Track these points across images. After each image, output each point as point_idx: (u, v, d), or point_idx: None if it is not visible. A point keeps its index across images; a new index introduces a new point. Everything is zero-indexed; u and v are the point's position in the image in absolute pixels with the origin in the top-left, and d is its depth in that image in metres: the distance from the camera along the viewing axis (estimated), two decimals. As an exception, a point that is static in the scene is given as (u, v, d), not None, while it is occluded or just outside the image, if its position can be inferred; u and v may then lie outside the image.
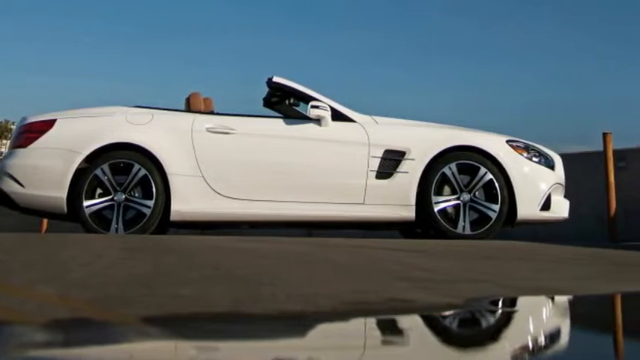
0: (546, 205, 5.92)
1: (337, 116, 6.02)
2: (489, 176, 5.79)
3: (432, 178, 5.78)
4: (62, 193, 5.69)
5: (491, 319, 2.14)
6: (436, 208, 5.76)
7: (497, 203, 5.77)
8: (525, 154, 5.98)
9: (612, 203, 8.48)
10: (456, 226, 5.75)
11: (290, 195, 5.82)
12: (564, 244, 5.52)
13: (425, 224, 5.91)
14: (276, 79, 6.29)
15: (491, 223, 5.75)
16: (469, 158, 5.84)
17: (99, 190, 5.74)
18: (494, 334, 1.89)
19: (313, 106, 5.95)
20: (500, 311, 2.29)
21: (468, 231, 5.75)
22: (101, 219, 5.68)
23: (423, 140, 5.90)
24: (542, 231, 8.41)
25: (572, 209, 6.28)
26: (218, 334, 1.69)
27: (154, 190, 5.69)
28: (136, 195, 5.73)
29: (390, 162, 5.86)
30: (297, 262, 3.59)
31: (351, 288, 2.56)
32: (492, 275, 3.22)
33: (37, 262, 3.16)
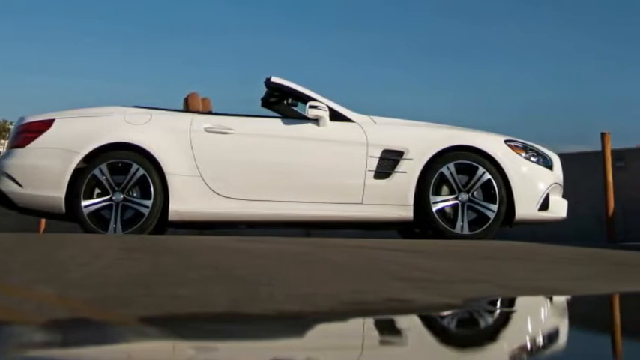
0: (544, 205, 5.93)
1: (335, 116, 6.02)
2: (487, 176, 5.79)
3: (430, 178, 5.78)
4: (60, 193, 5.69)
5: (490, 319, 2.14)
6: (434, 208, 5.76)
7: (495, 203, 5.77)
8: (523, 154, 5.98)
9: (610, 203, 8.49)
10: (454, 226, 5.75)
11: (288, 195, 5.82)
12: (563, 244, 5.53)
13: (423, 224, 5.91)
14: (274, 79, 6.29)
15: (489, 223, 5.76)
16: (467, 158, 5.84)
17: (97, 190, 5.73)
18: (492, 334, 1.89)
19: (311, 106, 5.95)
20: (498, 311, 2.29)
21: (466, 231, 5.75)
22: (99, 219, 5.68)
23: (422, 140, 5.90)
24: (541, 231, 8.42)
25: (571, 209, 6.28)
26: (216, 334, 1.69)
27: (152, 190, 5.69)
28: (135, 195, 5.73)
29: (389, 162, 5.86)
30: (295, 262, 3.59)
31: (350, 288, 2.56)
32: (491, 275, 3.22)
33: (36, 262, 3.16)
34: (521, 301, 2.49)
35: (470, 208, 5.80)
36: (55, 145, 5.80)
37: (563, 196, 6.21)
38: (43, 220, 10.59)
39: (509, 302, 2.46)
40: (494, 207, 5.76)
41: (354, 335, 1.82)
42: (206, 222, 6.00)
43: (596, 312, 2.42)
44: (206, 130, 5.92)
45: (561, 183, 6.17)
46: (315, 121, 5.96)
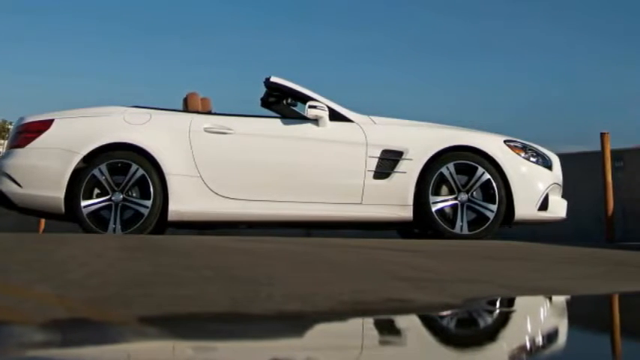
0: (544, 205, 5.93)
1: (335, 116, 6.02)
2: (487, 176, 5.79)
3: (429, 178, 5.78)
4: (60, 193, 5.69)
5: (489, 319, 2.14)
6: (434, 208, 5.76)
7: (494, 203, 5.77)
8: (523, 154, 5.98)
9: (610, 203, 8.49)
10: (453, 226, 5.75)
11: (288, 195, 5.82)
12: (562, 244, 5.53)
13: (423, 224, 5.91)
14: (273, 79, 6.29)
15: (488, 223, 5.76)
16: (467, 158, 5.85)
17: (97, 190, 5.73)
18: (492, 334, 1.89)
19: (311, 106, 5.95)
20: (498, 311, 2.30)
21: (465, 231, 5.75)
22: (99, 219, 5.68)
23: (421, 140, 5.91)
24: (540, 231, 8.42)
25: (570, 209, 6.28)
26: (216, 334, 1.69)
27: (151, 190, 5.69)
28: (134, 195, 5.73)
29: (388, 162, 5.86)
30: (295, 262, 3.59)
31: (350, 288, 2.56)
32: (490, 275, 3.22)
33: (35, 262, 3.15)
34: (520, 301, 2.49)
35: (469, 208, 5.80)
36: (54, 145, 5.80)
37: (563, 196, 6.22)
38: (43, 220, 10.58)
39: (509, 302, 2.46)
40: (494, 207, 5.76)
41: (354, 335, 1.82)
42: (206, 222, 6.00)
43: (596, 312, 2.42)
44: (205, 130, 5.92)
45: (561, 183, 6.17)
46: (315, 121, 5.96)
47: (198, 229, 7.94)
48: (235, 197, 5.80)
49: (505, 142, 6.00)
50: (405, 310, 2.15)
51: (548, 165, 6.08)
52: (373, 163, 5.84)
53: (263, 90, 6.58)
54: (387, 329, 1.94)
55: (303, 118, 6.05)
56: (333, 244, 4.76)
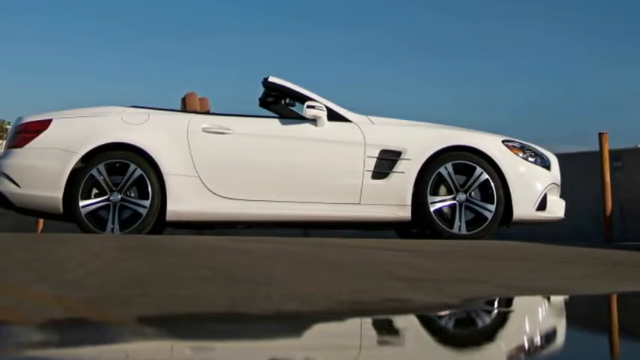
0: (542, 205, 5.93)
1: (333, 116, 6.02)
2: (485, 176, 5.79)
3: (428, 178, 5.78)
4: (58, 193, 5.69)
5: (488, 319, 2.14)
6: (432, 208, 5.76)
7: (493, 203, 5.77)
8: (521, 154, 5.98)
9: (608, 203, 8.49)
10: (451, 226, 5.76)
11: (286, 195, 5.82)
12: (560, 244, 5.53)
13: (421, 224, 5.91)
14: (271, 79, 6.29)
15: (487, 223, 5.76)
16: (465, 158, 5.85)
17: (95, 190, 5.73)
18: (490, 334, 1.89)
19: (309, 106, 5.95)
20: (496, 311, 2.30)
21: (463, 231, 5.75)
22: (97, 219, 5.68)
23: (419, 140, 5.91)
24: (539, 231, 8.41)
25: (569, 209, 6.28)
26: (214, 334, 1.69)
27: (150, 190, 5.69)
28: (132, 195, 5.73)
29: (386, 162, 5.86)
30: (293, 262, 3.59)
31: (348, 288, 2.56)
32: (488, 275, 3.22)
33: (34, 262, 3.15)
34: (518, 301, 2.49)
35: (467, 208, 5.80)
36: (52, 145, 5.79)
37: (561, 196, 6.22)
38: (41, 220, 10.57)
39: (507, 302, 2.46)
40: (492, 207, 5.77)
41: (352, 335, 1.82)
42: (204, 222, 6.00)
43: (594, 312, 2.42)
44: (204, 130, 5.91)
45: (559, 183, 6.17)
46: (313, 121, 5.96)
47: (197, 229, 7.93)
48: (234, 197, 5.80)
49: (503, 142, 6.00)
50: (403, 310, 2.15)
51: (546, 165, 6.08)
52: (371, 163, 5.84)
53: (261, 90, 6.57)
54: (386, 329, 1.94)
55: (301, 118, 6.05)
56: (331, 244, 4.76)
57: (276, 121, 6.11)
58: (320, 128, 5.95)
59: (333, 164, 5.87)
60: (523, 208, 5.84)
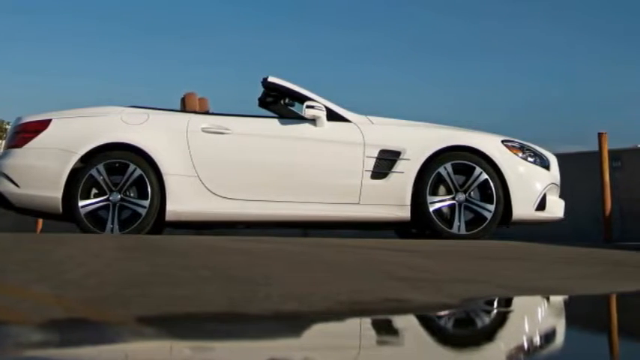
0: (541, 205, 5.93)
1: (332, 116, 6.02)
2: (484, 176, 5.80)
3: (427, 178, 5.78)
4: (57, 193, 5.69)
5: (487, 319, 2.14)
6: (431, 208, 5.77)
7: (492, 203, 5.78)
8: (520, 154, 5.99)
9: (608, 203, 8.50)
10: (451, 226, 5.76)
11: (285, 195, 5.83)
12: (560, 244, 5.53)
13: (420, 224, 5.91)
14: (271, 79, 6.30)
15: (486, 223, 5.76)
16: (464, 158, 5.85)
17: (94, 190, 5.73)
18: (489, 334, 1.89)
19: (308, 106, 5.95)
20: (495, 311, 2.30)
21: (463, 231, 5.76)
22: (96, 219, 5.68)
23: (419, 140, 5.91)
24: (538, 231, 8.41)
25: (568, 209, 6.29)
26: (213, 334, 1.69)
27: (149, 190, 5.69)
28: (132, 195, 5.73)
29: (386, 162, 5.86)
30: (292, 262, 3.59)
31: (347, 288, 2.56)
32: (488, 275, 3.22)
33: (33, 262, 3.15)
34: (518, 301, 2.49)
35: (467, 208, 5.80)
36: (52, 145, 5.80)
37: (561, 196, 6.22)
38: (40, 220, 10.57)
39: (507, 302, 2.46)
40: (492, 207, 5.77)
41: (351, 335, 1.82)
42: (203, 222, 6.00)
43: (593, 312, 2.42)
44: (203, 130, 5.92)
45: (558, 183, 6.18)
46: (312, 121, 5.97)
47: (196, 229, 7.94)
48: (233, 197, 5.80)
49: (503, 142, 6.00)
50: (402, 310, 2.15)
51: (545, 165, 6.08)
52: (371, 163, 5.84)
53: (261, 90, 6.58)
54: (385, 329, 1.94)
55: (300, 118, 6.05)
56: (330, 244, 4.76)
57: (276, 121, 6.11)
58: (319, 128, 5.95)
59: (333, 164, 5.87)
60: (522, 208, 5.84)
